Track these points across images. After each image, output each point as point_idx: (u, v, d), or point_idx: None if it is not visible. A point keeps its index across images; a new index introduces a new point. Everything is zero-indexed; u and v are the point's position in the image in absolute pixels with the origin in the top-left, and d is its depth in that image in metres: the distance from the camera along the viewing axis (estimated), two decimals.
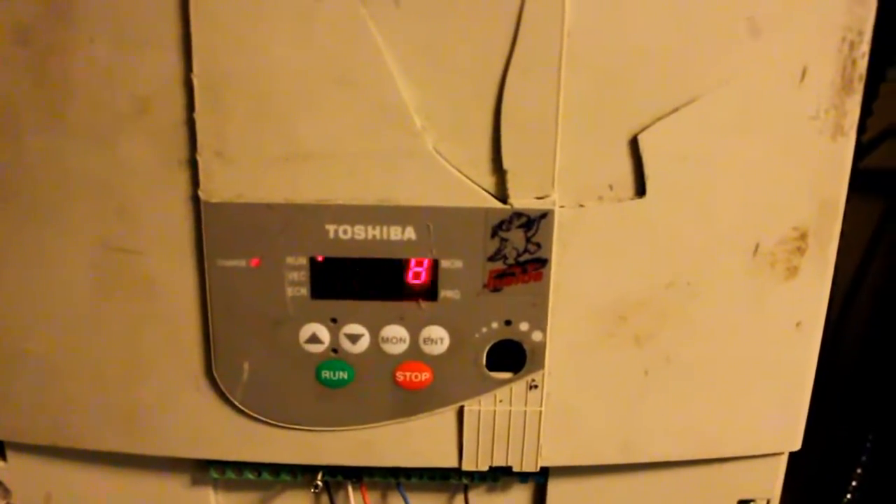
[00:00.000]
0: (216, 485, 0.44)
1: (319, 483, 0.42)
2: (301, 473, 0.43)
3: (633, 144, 0.36)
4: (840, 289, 0.62)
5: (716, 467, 0.43)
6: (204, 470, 0.43)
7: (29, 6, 0.34)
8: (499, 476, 0.43)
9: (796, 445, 0.42)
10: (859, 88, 0.36)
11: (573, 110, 0.35)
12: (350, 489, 0.43)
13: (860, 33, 0.35)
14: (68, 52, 0.34)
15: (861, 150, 0.55)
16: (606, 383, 0.39)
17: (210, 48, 0.34)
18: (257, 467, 0.42)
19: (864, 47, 0.35)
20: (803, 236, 0.38)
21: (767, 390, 0.40)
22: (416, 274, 0.37)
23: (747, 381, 0.40)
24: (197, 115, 0.35)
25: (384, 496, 0.45)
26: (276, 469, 0.42)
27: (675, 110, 0.35)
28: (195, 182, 0.36)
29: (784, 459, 0.43)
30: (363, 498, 0.43)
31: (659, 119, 0.35)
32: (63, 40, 0.34)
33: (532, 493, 0.45)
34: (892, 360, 0.61)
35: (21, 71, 0.35)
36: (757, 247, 0.38)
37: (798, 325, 0.39)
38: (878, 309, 0.63)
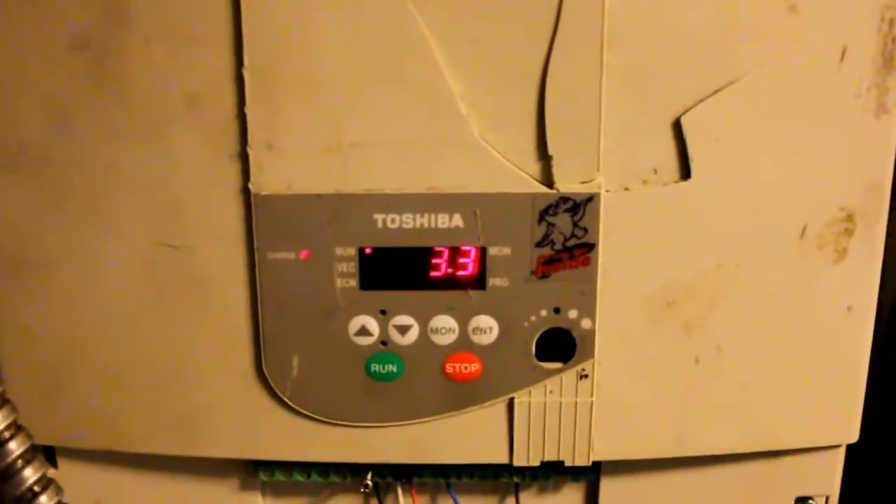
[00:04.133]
0: (264, 488, 0.44)
1: (369, 483, 0.41)
2: (350, 475, 0.42)
3: (677, 127, 0.36)
4: None
5: (771, 462, 0.42)
6: (252, 473, 0.43)
7: (87, 12, 0.35)
8: (550, 474, 0.42)
9: (853, 437, 0.41)
10: None
11: (616, 94, 0.36)
12: (399, 491, 0.43)
13: None
14: (124, 53, 0.36)
15: None
16: (657, 372, 0.39)
17: (260, 43, 0.35)
18: (306, 468, 0.42)
19: None
20: (850, 217, 0.38)
21: (820, 378, 0.40)
22: (465, 263, 0.37)
23: (799, 368, 0.39)
24: (248, 109, 0.35)
25: (434, 498, 0.44)
26: (325, 470, 0.42)
27: (717, 91, 0.36)
28: (246, 175, 0.36)
29: (841, 453, 0.42)
30: (413, 500, 0.42)
31: (701, 101, 0.36)
32: (119, 42, 0.35)
33: (584, 492, 0.44)
34: None
35: (78, 75, 0.36)
36: (804, 229, 0.38)
37: (849, 308, 0.39)
38: None
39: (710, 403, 0.39)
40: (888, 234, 0.39)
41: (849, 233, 0.38)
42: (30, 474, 0.34)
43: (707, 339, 0.38)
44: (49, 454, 0.43)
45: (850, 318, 0.39)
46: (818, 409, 0.40)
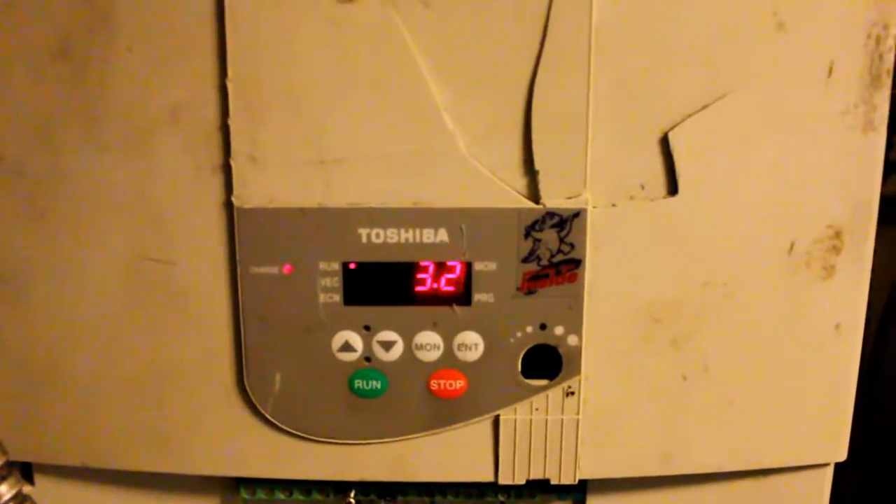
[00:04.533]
0: None
1: (352, 501, 0.41)
2: (333, 493, 0.41)
3: (664, 142, 0.36)
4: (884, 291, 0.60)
5: (759, 481, 0.42)
6: (233, 490, 0.42)
7: (69, 20, 0.35)
8: (536, 492, 0.42)
9: (841, 455, 0.41)
10: (888, 83, 0.36)
11: (603, 109, 0.35)
12: None
13: (886, 27, 0.35)
14: (106, 62, 0.35)
15: None
16: (644, 389, 0.38)
17: (244, 54, 0.34)
18: (288, 486, 0.41)
19: (891, 41, 0.36)
20: (838, 234, 0.38)
21: (808, 396, 0.39)
22: (450, 278, 0.36)
23: (787, 386, 0.39)
24: (231, 121, 0.35)
25: None
26: (308, 488, 0.41)
27: (705, 107, 0.36)
28: (228, 188, 0.36)
29: (829, 472, 0.42)
30: None
31: (689, 116, 0.36)
32: (101, 51, 0.35)
33: None
34: None
35: (59, 84, 0.35)
36: (792, 246, 0.37)
37: (837, 327, 0.39)
38: None
39: (698, 421, 0.39)
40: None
41: (836, 250, 0.38)
42: (5, 490, 0.33)
43: (694, 356, 0.38)
44: (26, 471, 0.42)
45: (838, 336, 0.39)
46: (806, 428, 0.40)
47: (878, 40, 0.36)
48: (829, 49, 0.35)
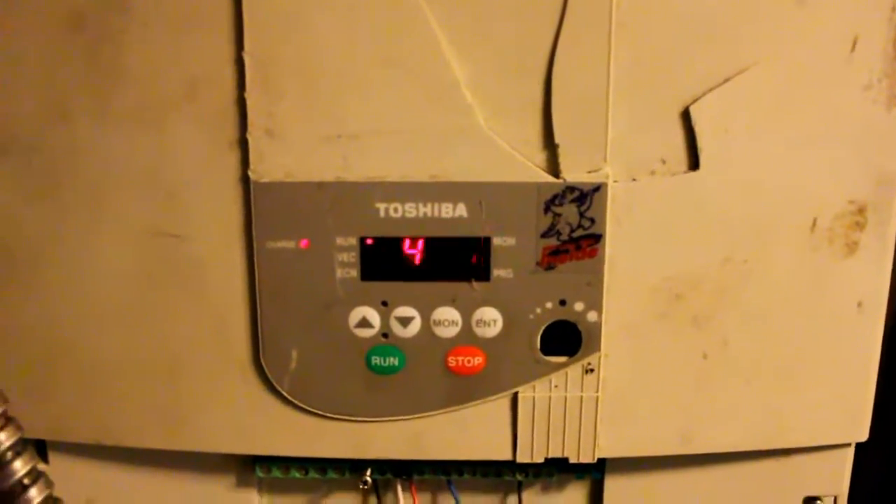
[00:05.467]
0: (260, 486, 0.43)
1: (368, 479, 0.40)
2: (349, 471, 0.41)
3: (685, 116, 0.35)
4: None
5: (779, 461, 0.41)
6: (249, 470, 0.42)
7: None
8: (554, 471, 0.41)
9: (863, 435, 0.40)
10: None
11: (624, 82, 0.35)
12: (399, 488, 0.42)
13: None
14: (122, 36, 0.35)
15: None
16: (664, 367, 0.38)
17: (261, 27, 0.34)
18: (304, 464, 0.41)
19: None
20: (861, 210, 0.37)
21: (830, 375, 0.39)
22: (468, 253, 0.36)
23: (808, 365, 0.39)
24: (248, 95, 0.35)
25: (434, 496, 0.43)
26: (323, 466, 0.41)
27: (726, 80, 0.35)
28: (245, 163, 0.35)
29: (850, 452, 0.41)
30: (413, 497, 0.41)
31: (710, 90, 0.35)
32: (117, 25, 0.35)
33: (588, 490, 0.43)
34: None
35: (74, 58, 0.35)
36: (814, 222, 0.37)
37: (859, 304, 0.38)
38: None
39: (718, 400, 0.38)
40: None
41: (860, 226, 0.37)
42: (19, 467, 0.32)
43: (715, 333, 0.38)
44: (40, 449, 0.41)
45: (860, 314, 0.38)
46: (827, 407, 0.39)
47: None
48: (852, 22, 0.35)
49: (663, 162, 0.36)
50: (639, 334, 0.37)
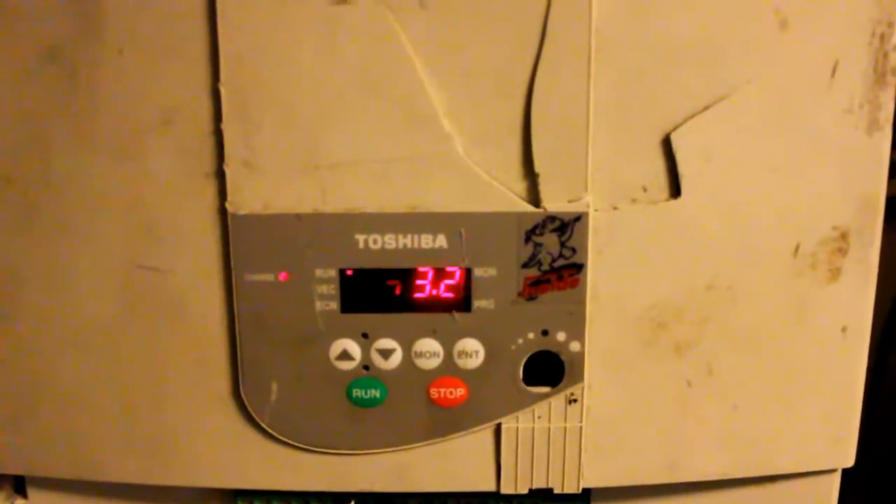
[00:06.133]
0: None
1: None
2: (332, 503, 0.41)
3: (666, 144, 0.35)
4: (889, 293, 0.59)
5: (766, 488, 0.41)
6: (230, 502, 0.41)
7: (60, 22, 0.34)
8: (539, 502, 0.41)
9: (849, 461, 0.40)
10: (893, 81, 0.36)
11: (604, 110, 0.35)
12: None
13: (890, 24, 0.35)
14: (97, 65, 0.34)
15: None
16: (649, 396, 0.38)
17: (237, 57, 0.34)
18: (286, 497, 0.41)
19: None
20: (844, 236, 0.37)
21: (815, 401, 0.39)
22: (449, 285, 0.36)
23: (794, 391, 0.38)
24: (224, 125, 0.34)
25: None
26: (306, 499, 0.41)
27: (707, 108, 0.35)
28: (222, 194, 0.35)
29: (837, 478, 0.41)
30: None
31: (691, 117, 0.35)
32: (93, 54, 0.34)
33: None
34: None
35: (50, 88, 0.35)
36: (797, 247, 0.37)
37: (844, 329, 0.38)
38: None
39: (703, 427, 0.38)
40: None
41: (843, 252, 0.37)
42: None
43: (698, 361, 0.37)
44: (19, 484, 0.41)
45: (844, 339, 0.38)
46: (812, 433, 0.39)
47: (883, 38, 0.35)
48: (832, 48, 0.35)
49: (645, 190, 0.36)
50: (622, 364, 0.37)
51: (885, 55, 0.35)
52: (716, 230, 0.36)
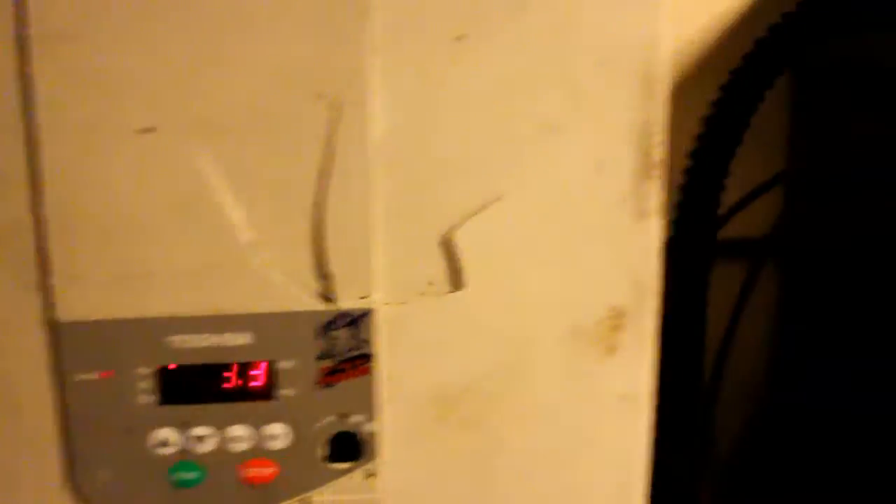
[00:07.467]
0: None
1: None
2: None
3: (448, 242, 0.40)
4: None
5: None
6: None
7: None
8: None
9: None
10: (658, 174, 0.40)
11: (389, 216, 0.39)
12: None
13: (651, 124, 0.39)
14: None
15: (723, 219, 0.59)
16: (444, 469, 0.42)
17: (59, 182, 0.38)
18: None
19: (658, 137, 0.39)
20: (620, 314, 0.41)
21: (601, 467, 0.43)
22: (255, 376, 0.40)
23: (582, 458, 0.42)
24: (49, 242, 0.38)
25: None
26: None
27: (483, 208, 0.39)
28: (49, 303, 0.39)
29: None
30: None
31: (469, 217, 0.39)
32: None
33: None
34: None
35: None
36: (575, 328, 0.41)
37: (622, 397, 0.42)
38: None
39: (498, 498, 0.42)
40: None
41: (619, 328, 0.41)
42: None
43: (490, 434, 0.41)
44: None
45: (623, 405, 0.42)
46: (602, 498, 0.43)
47: (647, 136, 0.39)
48: (598, 147, 0.39)
49: (431, 284, 0.40)
50: (416, 439, 0.41)
51: (649, 151, 0.40)
52: (498, 316, 0.40)
